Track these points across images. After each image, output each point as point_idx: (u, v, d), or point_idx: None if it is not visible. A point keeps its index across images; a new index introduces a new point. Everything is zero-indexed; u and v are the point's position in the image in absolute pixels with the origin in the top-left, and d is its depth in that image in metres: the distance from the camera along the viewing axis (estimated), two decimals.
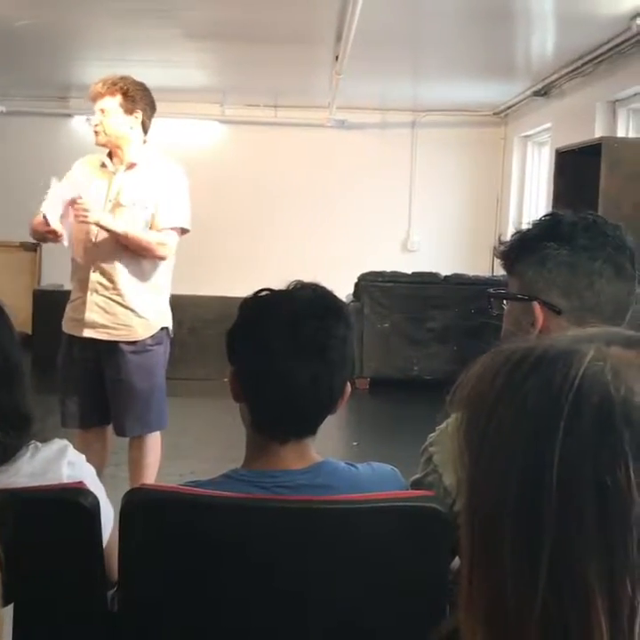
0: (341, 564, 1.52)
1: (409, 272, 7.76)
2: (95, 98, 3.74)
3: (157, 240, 3.71)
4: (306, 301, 1.67)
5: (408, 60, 7.22)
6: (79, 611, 1.50)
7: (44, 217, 3.55)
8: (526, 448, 0.68)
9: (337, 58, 6.40)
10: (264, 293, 1.70)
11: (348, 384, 1.72)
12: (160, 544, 1.51)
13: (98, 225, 3.64)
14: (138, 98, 3.75)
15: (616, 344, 0.71)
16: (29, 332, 8.10)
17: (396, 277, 7.69)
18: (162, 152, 3.94)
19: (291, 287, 1.71)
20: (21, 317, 8.46)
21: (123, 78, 3.78)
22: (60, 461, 1.63)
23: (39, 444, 1.66)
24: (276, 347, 1.60)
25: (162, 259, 3.76)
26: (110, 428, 3.83)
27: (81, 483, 1.52)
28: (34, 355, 6.92)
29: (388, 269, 7.75)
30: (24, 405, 1.63)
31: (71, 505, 1.47)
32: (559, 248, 1.65)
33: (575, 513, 0.66)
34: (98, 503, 1.50)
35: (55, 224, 3.55)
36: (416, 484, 1.68)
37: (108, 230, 3.64)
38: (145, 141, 3.83)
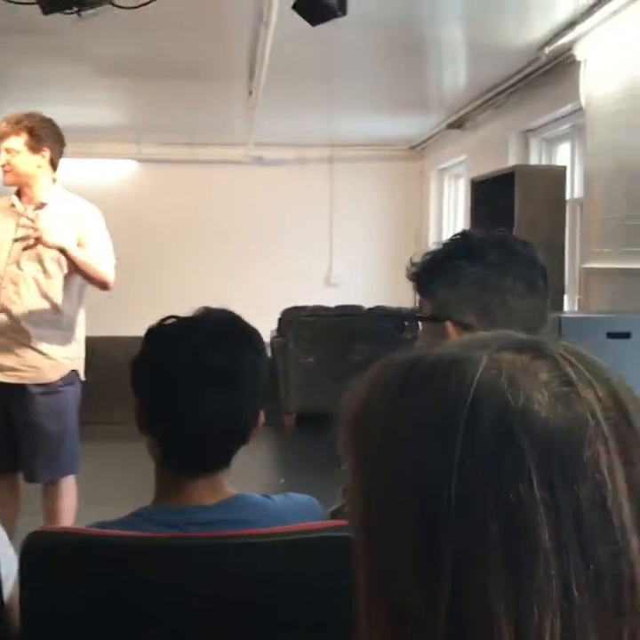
0: (259, 599, 1.44)
1: (332, 306, 7.75)
2: (1, 137, 3.65)
3: (108, 272, 3.65)
4: (213, 328, 1.59)
5: (323, 94, 7.25)
6: None
7: None
8: (422, 466, 0.62)
9: (251, 93, 6.39)
10: (169, 321, 1.63)
11: (262, 413, 1.63)
12: (63, 590, 1.41)
13: (58, 248, 3.53)
14: (44, 135, 3.65)
15: (508, 349, 0.66)
16: None
17: (318, 311, 7.67)
18: (72, 192, 3.84)
19: (198, 314, 1.64)
20: None
21: (28, 116, 3.68)
22: None
23: None
24: (183, 377, 1.52)
25: (106, 289, 3.66)
26: (22, 476, 3.69)
27: None
28: None
29: (312, 304, 7.73)
30: None
31: None
32: (470, 266, 1.61)
33: (476, 532, 0.59)
34: None
35: None
36: (334, 514, 1.61)
37: (66, 252, 3.54)
38: (54, 180, 3.73)
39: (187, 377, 1.52)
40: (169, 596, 1.40)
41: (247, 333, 1.63)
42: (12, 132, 3.61)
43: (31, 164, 3.64)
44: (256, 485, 5.16)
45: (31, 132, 3.62)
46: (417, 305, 1.74)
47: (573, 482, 0.60)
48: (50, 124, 3.71)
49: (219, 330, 1.59)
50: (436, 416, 0.63)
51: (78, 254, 3.59)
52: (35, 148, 3.63)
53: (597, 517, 0.60)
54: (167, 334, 1.60)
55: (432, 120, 8.22)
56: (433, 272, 1.66)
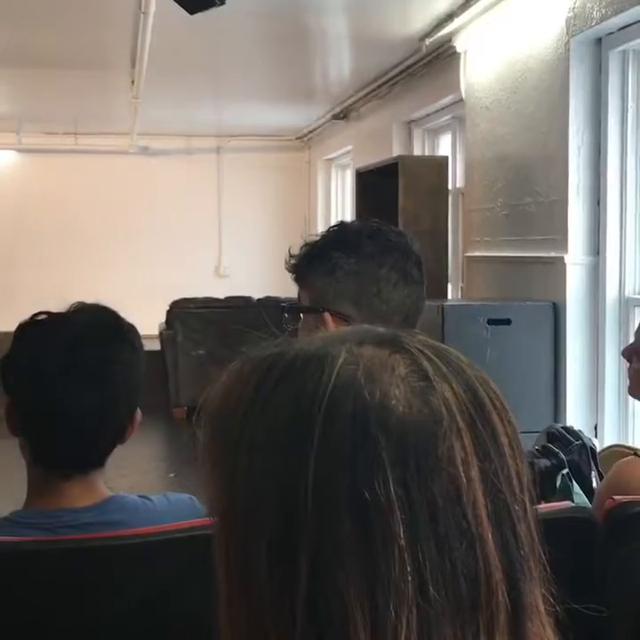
0: (137, 604, 1.41)
1: (222, 297, 7.70)
2: None
3: None
4: (85, 324, 1.55)
5: (208, 83, 7.18)
6: None
7: None
8: (279, 465, 0.61)
9: (133, 82, 6.28)
10: (40, 317, 1.58)
11: (138, 411, 1.60)
12: None
13: None
14: None
15: (367, 343, 0.65)
16: None
17: (208, 303, 7.61)
18: None
19: (70, 309, 1.59)
20: None
21: None
22: None
23: None
24: (53, 374, 1.48)
25: None
26: None
27: None
28: None
29: (202, 295, 7.66)
30: None
31: None
32: (346, 257, 1.63)
33: (331, 532, 0.59)
34: None
35: None
36: None
37: None
38: None
39: (57, 375, 1.47)
40: (40, 601, 1.36)
41: (121, 329, 1.59)
42: None
43: None
44: (147, 482, 5.10)
45: None
46: (297, 297, 1.75)
47: (428, 477, 0.60)
48: None
49: (91, 325, 1.55)
50: (293, 415, 0.62)
51: None
52: None
53: (452, 512, 0.60)
54: (37, 330, 1.55)
55: (318, 110, 8.25)
56: (310, 263, 1.68)
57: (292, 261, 1.71)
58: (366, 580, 0.58)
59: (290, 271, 1.73)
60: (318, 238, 1.72)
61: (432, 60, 5.74)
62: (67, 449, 1.49)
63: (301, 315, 1.75)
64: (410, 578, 0.58)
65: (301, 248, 1.71)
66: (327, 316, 1.63)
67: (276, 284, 9.21)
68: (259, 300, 7.73)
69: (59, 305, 1.59)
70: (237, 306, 7.68)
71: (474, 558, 0.60)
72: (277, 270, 9.24)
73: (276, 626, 0.60)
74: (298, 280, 1.72)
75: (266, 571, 0.60)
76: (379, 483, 0.59)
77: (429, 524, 0.59)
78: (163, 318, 7.53)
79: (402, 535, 0.58)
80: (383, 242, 1.65)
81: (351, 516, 0.59)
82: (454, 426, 0.61)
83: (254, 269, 9.58)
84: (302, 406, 0.61)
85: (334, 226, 1.77)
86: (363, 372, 0.62)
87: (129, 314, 1.62)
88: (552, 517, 1.43)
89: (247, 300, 7.76)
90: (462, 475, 0.60)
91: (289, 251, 1.73)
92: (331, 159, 9.29)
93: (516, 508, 0.62)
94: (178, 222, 9.46)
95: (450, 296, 5.74)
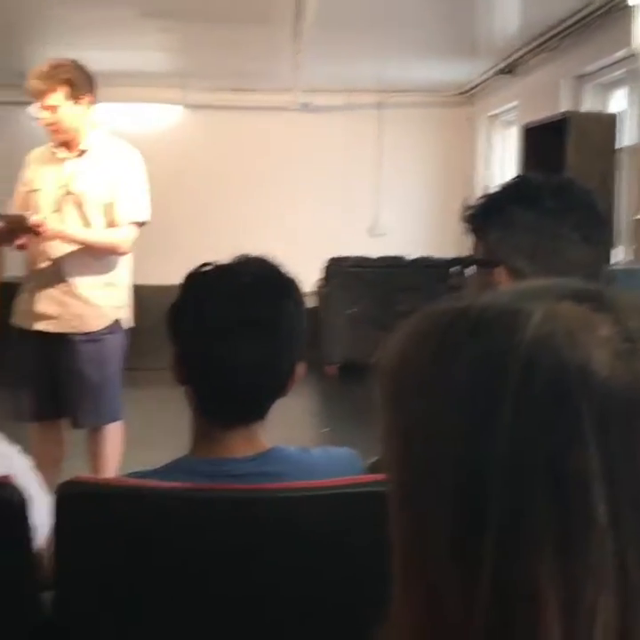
0: (293, 556, 1.41)
1: (375, 256, 7.68)
2: (37, 95, 3.52)
3: (117, 239, 3.62)
4: (251, 276, 1.55)
5: (371, 38, 7.09)
6: (7, 614, 1.38)
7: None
8: (466, 428, 0.56)
9: (297, 37, 6.28)
10: (206, 268, 1.58)
11: (301, 365, 1.59)
12: (97, 539, 1.40)
13: (59, 237, 3.53)
14: (81, 83, 3.55)
15: (567, 299, 0.59)
16: None
17: (363, 262, 7.61)
18: (113, 135, 3.79)
19: (236, 261, 1.59)
20: None
21: (58, 66, 3.52)
22: None
23: None
24: (219, 326, 1.48)
25: (122, 255, 3.65)
26: (65, 423, 3.72)
27: (6, 477, 1.40)
28: None
29: (355, 254, 7.67)
30: None
31: None
32: (524, 211, 1.57)
33: (524, 505, 0.54)
34: (24, 499, 1.38)
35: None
36: (374, 467, 1.57)
37: (68, 240, 3.53)
38: (94, 124, 3.67)
39: (223, 326, 1.48)
40: (200, 547, 1.37)
41: (285, 282, 1.58)
42: (49, 89, 3.48)
43: (75, 116, 3.55)
44: (300, 436, 5.16)
45: (69, 84, 3.50)
46: (472, 250, 1.70)
47: (633, 450, 0.54)
48: (82, 69, 3.59)
49: (257, 278, 1.55)
50: (481, 378, 0.57)
51: (80, 237, 3.56)
52: (75, 98, 3.53)
53: None
54: (204, 281, 1.56)
55: (482, 65, 8.02)
56: (487, 215, 1.63)
57: (469, 212, 1.66)
58: (561, 560, 0.53)
59: (465, 222, 1.68)
60: (498, 190, 1.67)
61: (605, 13, 5.48)
62: (231, 401, 1.50)
63: (469, 271, 1.70)
64: (610, 560, 0.53)
65: (479, 199, 1.67)
66: (500, 271, 1.57)
67: (432, 243, 9.12)
68: (414, 259, 7.66)
69: (219, 258, 1.59)
70: (392, 265, 7.65)
71: None
72: (434, 230, 9.15)
73: (456, 596, 0.56)
74: (473, 231, 1.67)
75: (447, 542, 0.56)
76: (579, 453, 0.53)
77: (632, 500, 0.54)
78: (317, 276, 7.58)
79: (602, 512, 0.53)
80: (566, 198, 1.58)
81: (547, 488, 0.54)
82: None
83: (410, 229, 9.48)
84: (492, 367, 0.57)
85: (515, 178, 1.72)
86: (562, 332, 0.56)
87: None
88: None
89: (402, 259, 7.71)
90: None
91: (466, 201, 1.69)
92: (494, 115, 9.05)
93: None
94: (335, 179, 9.45)
95: (616, 259, 5.50)
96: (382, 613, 0.64)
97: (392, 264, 7.64)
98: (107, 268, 3.66)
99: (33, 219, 3.47)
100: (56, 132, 3.57)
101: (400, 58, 7.86)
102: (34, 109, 3.68)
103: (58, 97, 3.50)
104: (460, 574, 0.56)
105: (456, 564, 0.56)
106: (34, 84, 3.51)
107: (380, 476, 1.47)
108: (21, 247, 3.60)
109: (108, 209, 3.60)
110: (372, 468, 1.58)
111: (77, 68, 3.57)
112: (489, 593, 0.54)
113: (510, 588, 0.54)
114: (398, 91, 9.21)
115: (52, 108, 3.52)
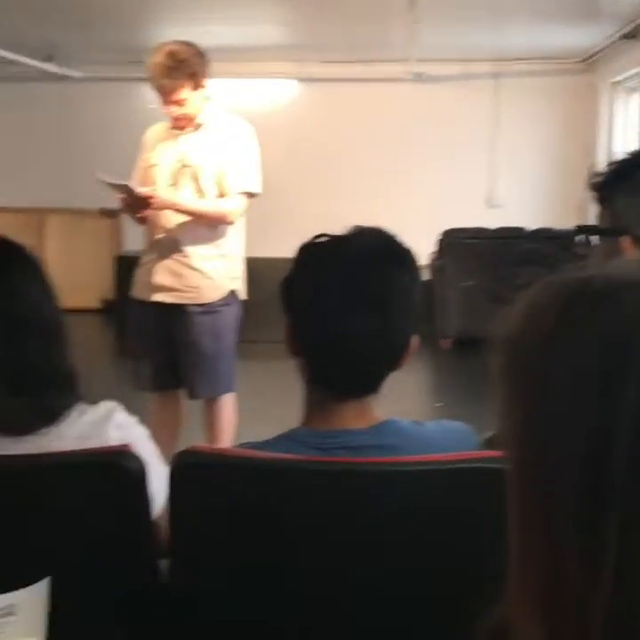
0: (410, 531, 1.40)
1: (492, 228, 7.54)
2: (164, 92, 3.56)
3: (226, 208, 3.66)
4: (366, 248, 1.53)
5: (488, 4, 6.92)
6: (125, 581, 1.41)
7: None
8: (589, 404, 0.53)
9: (412, 4, 6.18)
10: (321, 239, 1.57)
11: (415, 339, 1.56)
12: (211, 508, 1.41)
13: (169, 207, 3.59)
14: (199, 69, 3.59)
15: None
16: (112, 297, 8.16)
17: (479, 234, 7.48)
18: (227, 109, 3.82)
19: (350, 233, 1.57)
20: (103, 283, 8.54)
21: (181, 61, 3.52)
22: (106, 424, 1.54)
23: (86, 406, 1.57)
24: (334, 298, 1.46)
25: (230, 224, 3.68)
26: (182, 394, 3.79)
27: (126, 446, 1.43)
28: (117, 320, 6.95)
29: (472, 225, 7.54)
30: (64, 364, 1.53)
31: (114, 469, 1.38)
32: None
33: None
34: (143, 467, 1.40)
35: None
36: (489, 443, 1.54)
37: (178, 209, 3.60)
38: (208, 98, 3.70)
39: (338, 299, 1.46)
40: (313, 519, 1.37)
41: (401, 254, 1.55)
42: (177, 86, 3.52)
43: (198, 102, 3.62)
44: (413, 410, 5.14)
45: (191, 76, 3.55)
46: (597, 219, 1.65)
47: None
48: (200, 55, 3.61)
49: (373, 249, 1.52)
50: (606, 349, 0.54)
51: (190, 207, 3.61)
52: (196, 86, 3.58)
53: None
54: (318, 253, 1.55)
55: (605, 30, 7.73)
56: (614, 182, 1.58)
57: (596, 179, 1.61)
58: None
59: (592, 189, 1.63)
60: (625, 156, 1.61)
61: None
62: (345, 374, 1.49)
63: (594, 240, 1.64)
64: None
65: (608, 165, 1.62)
66: (626, 240, 1.51)
67: (550, 215, 8.90)
68: (532, 231, 7.49)
69: (333, 231, 1.58)
70: (509, 237, 7.49)
71: None
72: (553, 201, 8.90)
73: (577, 572, 0.54)
74: (598, 199, 1.61)
75: (569, 521, 0.54)
76: None
77: None
78: (431, 247, 7.50)
79: None
80: None
81: None
82: None
83: (528, 200, 9.27)
84: (618, 338, 0.53)
85: None
86: None
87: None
88: None
89: (519, 230, 7.54)
90: None
91: (592, 168, 1.64)
92: (617, 82, 8.73)
93: None
94: (449, 151, 9.32)
95: None
96: (498, 589, 0.62)
97: (510, 236, 7.49)
98: (219, 238, 3.70)
99: (140, 190, 3.54)
100: (181, 121, 3.63)
101: (518, 24, 7.65)
102: (158, 105, 3.71)
103: (185, 92, 3.56)
104: (583, 547, 0.53)
105: (580, 538, 0.53)
106: (161, 82, 3.54)
107: (495, 452, 1.44)
108: (142, 220, 3.68)
109: (220, 179, 3.64)
110: (488, 444, 1.55)
111: (196, 55, 3.59)
112: (612, 576, 0.52)
113: (636, 573, 0.51)
114: (514, 59, 8.98)
115: (180, 102, 3.57)
